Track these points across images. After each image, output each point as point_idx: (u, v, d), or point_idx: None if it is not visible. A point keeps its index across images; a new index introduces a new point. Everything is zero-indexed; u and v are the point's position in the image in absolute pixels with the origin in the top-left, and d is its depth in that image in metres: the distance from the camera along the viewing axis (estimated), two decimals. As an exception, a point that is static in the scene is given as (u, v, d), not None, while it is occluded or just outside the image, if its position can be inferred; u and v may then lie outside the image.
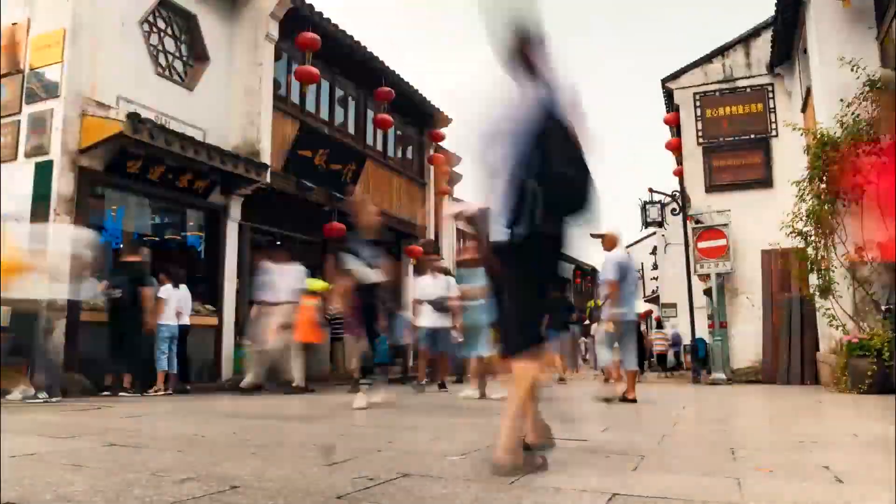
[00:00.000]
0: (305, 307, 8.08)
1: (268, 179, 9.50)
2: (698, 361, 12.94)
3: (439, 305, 8.01)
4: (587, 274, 36.00)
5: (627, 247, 29.63)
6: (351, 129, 12.56)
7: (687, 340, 16.97)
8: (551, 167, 2.38)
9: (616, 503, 1.92)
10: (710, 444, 3.44)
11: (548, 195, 2.35)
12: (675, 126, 13.68)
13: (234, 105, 9.77)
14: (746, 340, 11.51)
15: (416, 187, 14.85)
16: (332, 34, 10.81)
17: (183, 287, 8.01)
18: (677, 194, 13.41)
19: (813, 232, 8.44)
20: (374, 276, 5.59)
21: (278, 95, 10.36)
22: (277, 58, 10.28)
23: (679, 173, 13.58)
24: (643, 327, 14.86)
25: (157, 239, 9.85)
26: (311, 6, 10.32)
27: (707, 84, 13.00)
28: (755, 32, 12.79)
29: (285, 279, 7.93)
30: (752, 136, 12.54)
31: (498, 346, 3.09)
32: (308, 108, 11.24)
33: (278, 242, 10.33)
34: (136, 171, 7.97)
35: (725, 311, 11.94)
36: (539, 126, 2.43)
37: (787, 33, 10.65)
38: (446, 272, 8.85)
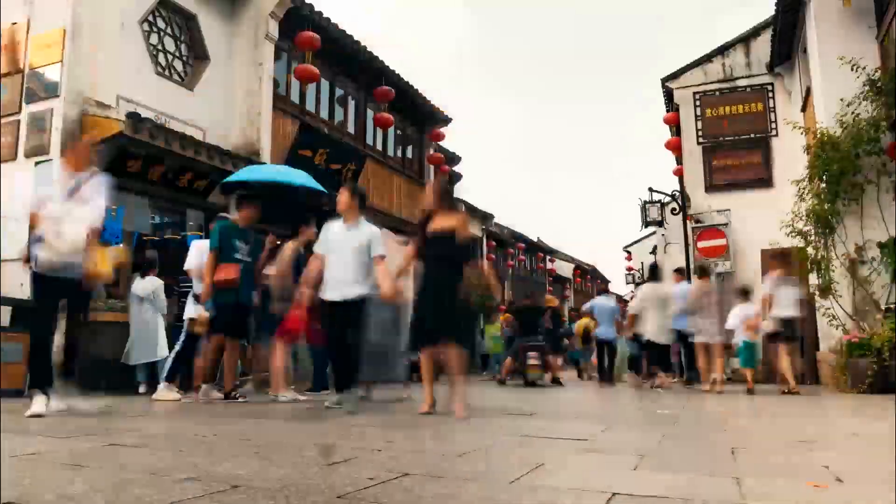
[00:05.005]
0: None
1: (268, 179, 9.49)
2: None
3: None
4: (587, 273, 36.01)
5: (626, 247, 29.59)
6: (351, 129, 12.56)
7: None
8: None
9: (616, 503, 1.92)
10: (710, 444, 3.44)
11: None
12: (674, 125, 13.68)
13: (233, 105, 9.76)
14: (746, 340, 11.50)
15: (416, 187, 14.85)
16: (331, 33, 10.81)
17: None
18: (677, 194, 13.41)
19: (813, 231, 8.44)
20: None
21: (278, 95, 10.36)
22: (277, 57, 10.28)
23: (679, 173, 13.58)
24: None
25: (156, 239, 9.85)
26: (310, 5, 10.32)
27: (707, 83, 13.00)
28: (755, 32, 12.79)
29: None
30: (752, 135, 12.55)
31: None
32: (308, 107, 11.24)
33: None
34: (136, 171, 7.97)
35: (725, 310, 11.93)
36: None
37: (787, 33, 10.65)
38: None
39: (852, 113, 8.04)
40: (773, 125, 12.33)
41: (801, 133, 9.01)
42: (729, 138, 12.68)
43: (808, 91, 9.87)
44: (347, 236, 5.01)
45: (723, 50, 13.05)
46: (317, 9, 10.44)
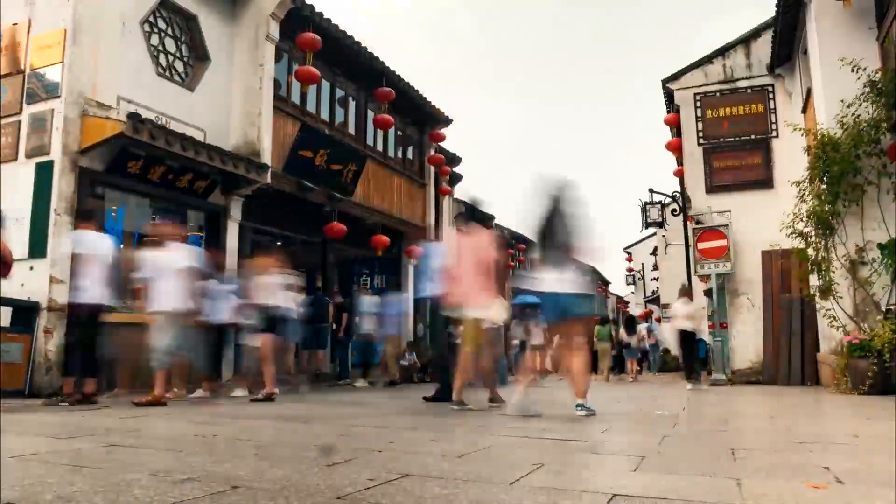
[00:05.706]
0: None
1: (268, 179, 9.50)
2: (699, 362, 12.93)
3: None
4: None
5: (627, 248, 29.97)
6: (351, 130, 12.57)
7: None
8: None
9: None
10: (710, 444, 3.44)
11: None
12: (675, 126, 13.67)
13: (234, 105, 9.77)
14: (747, 341, 11.52)
15: (417, 187, 14.85)
16: (332, 34, 10.81)
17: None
18: (678, 195, 13.42)
19: (813, 232, 8.44)
20: None
21: (279, 96, 10.36)
22: (278, 58, 10.28)
23: (679, 174, 13.58)
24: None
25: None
26: (311, 6, 10.32)
27: (707, 85, 12.99)
28: (755, 33, 12.78)
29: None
30: (753, 136, 12.53)
31: None
32: (308, 108, 11.25)
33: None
34: (137, 172, 7.98)
35: (726, 311, 11.94)
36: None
37: (787, 34, 10.65)
38: None
39: (853, 114, 8.04)
40: (774, 126, 12.32)
41: (802, 134, 9.01)
42: (729, 139, 12.67)
43: (809, 92, 9.87)
44: None
45: (723, 51, 13.04)
46: (317, 10, 10.45)
